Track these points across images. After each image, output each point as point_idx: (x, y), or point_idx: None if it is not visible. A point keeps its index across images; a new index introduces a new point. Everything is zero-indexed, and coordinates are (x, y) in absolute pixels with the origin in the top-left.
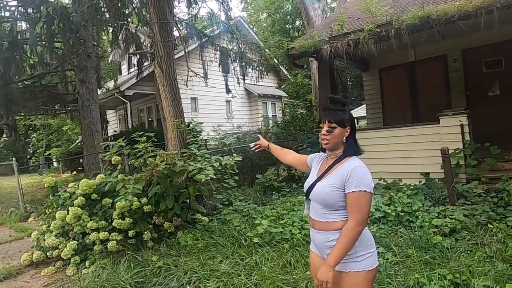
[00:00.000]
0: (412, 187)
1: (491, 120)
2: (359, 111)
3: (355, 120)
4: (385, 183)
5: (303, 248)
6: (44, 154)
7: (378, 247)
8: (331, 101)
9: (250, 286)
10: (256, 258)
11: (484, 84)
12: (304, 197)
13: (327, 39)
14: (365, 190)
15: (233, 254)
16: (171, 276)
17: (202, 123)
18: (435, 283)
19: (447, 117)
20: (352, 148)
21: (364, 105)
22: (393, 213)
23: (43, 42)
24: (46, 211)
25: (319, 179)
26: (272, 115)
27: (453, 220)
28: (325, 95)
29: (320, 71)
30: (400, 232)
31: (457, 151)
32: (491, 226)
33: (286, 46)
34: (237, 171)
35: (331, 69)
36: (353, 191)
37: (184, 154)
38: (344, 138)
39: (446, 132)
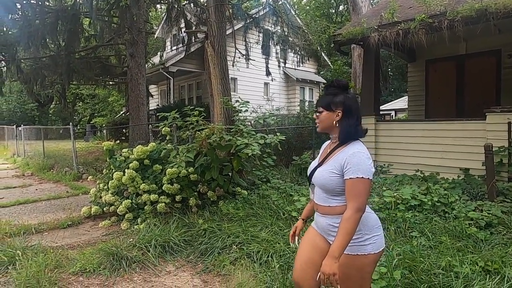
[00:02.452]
0: (450, 181)
1: None
2: (398, 103)
3: (379, 108)
4: (422, 175)
5: None
6: (90, 123)
7: (413, 231)
8: (327, 85)
9: (288, 252)
10: None
11: None
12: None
13: (376, 27)
14: (362, 177)
15: (272, 224)
16: (216, 238)
17: (248, 102)
18: (466, 267)
19: (495, 114)
20: (344, 133)
21: (404, 97)
22: (429, 202)
23: (102, 17)
24: (103, 171)
25: (320, 164)
26: (310, 100)
27: (490, 215)
28: (368, 83)
29: (365, 59)
30: (434, 220)
31: (501, 149)
32: None
33: (332, 32)
34: (280, 149)
35: (377, 58)
36: (350, 178)
37: (231, 130)
38: (334, 122)
39: (492, 129)
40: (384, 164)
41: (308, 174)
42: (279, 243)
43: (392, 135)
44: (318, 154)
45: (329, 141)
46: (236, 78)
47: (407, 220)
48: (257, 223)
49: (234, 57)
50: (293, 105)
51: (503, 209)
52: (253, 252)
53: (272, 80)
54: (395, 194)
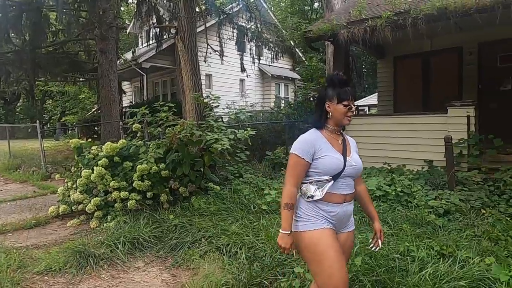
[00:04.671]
0: (415, 172)
1: (500, 114)
2: (372, 99)
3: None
4: (389, 167)
5: None
6: (60, 121)
7: None
8: (345, 79)
9: (258, 244)
10: (263, 222)
11: (496, 79)
12: (329, 178)
13: (344, 24)
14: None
15: (242, 218)
16: (186, 233)
17: (219, 97)
18: (422, 251)
19: (455, 108)
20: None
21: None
22: (393, 193)
23: (70, 10)
24: (72, 169)
25: (344, 155)
26: (284, 97)
27: (449, 203)
28: None
29: (335, 55)
30: (397, 209)
31: (461, 141)
32: (484, 211)
33: (303, 28)
34: (250, 144)
35: (346, 54)
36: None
37: (202, 125)
38: None
39: (453, 122)
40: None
41: (335, 169)
42: (248, 236)
43: (361, 129)
44: (289, 149)
45: (315, 135)
46: (211, 74)
47: None
48: (228, 217)
49: (206, 53)
50: (269, 101)
51: (461, 197)
52: (222, 245)
53: (247, 77)
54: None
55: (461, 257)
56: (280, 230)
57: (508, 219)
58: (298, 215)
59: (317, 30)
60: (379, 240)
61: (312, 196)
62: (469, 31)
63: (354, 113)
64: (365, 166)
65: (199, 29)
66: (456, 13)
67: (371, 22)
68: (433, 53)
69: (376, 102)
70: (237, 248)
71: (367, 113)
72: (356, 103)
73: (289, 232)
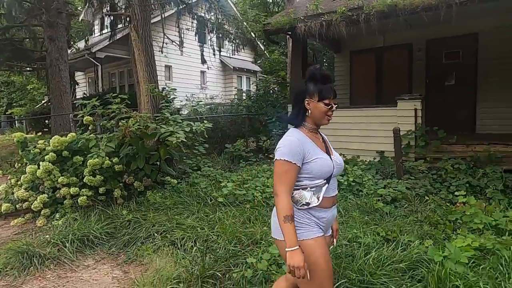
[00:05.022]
0: (367, 162)
1: (445, 107)
2: None
3: None
4: (344, 159)
5: (262, 208)
6: (6, 113)
7: None
8: (327, 76)
9: (212, 236)
10: (219, 214)
11: (442, 74)
12: (323, 181)
13: (302, 17)
14: None
15: (198, 211)
16: (140, 228)
17: (175, 89)
18: (368, 237)
19: (404, 101)
20: None
21: None
22: (345, 183)
23: None
24: (15, 165)
25: (329, 154)
26: (247, 89)
27: (396, 191)
28: (296, 73)
29: (293, 49)
30: (349, 198)
31: (409, 132)
32: (427, 198)
33: (262, 21)
34: (206, 137)
35: (304, 48)
36: None
37: (157, 118)
38: None
39: (402, 115)
40: None
41: (326, 171)
42: (203, 229)
43: None
44: (251, 141)
45: (299, 135)
46: (171, 66)
47: None
48: (184, 211)
49: (163, 43)
50: (230, 94)
51: (407, 185)
52: (177, 239)
53: (208, 69)
54: None
55: (403, 241)
56: (286, 249)
57: (448, 204)
58: None
59: (275, 23)
60: (334, 239)
61: (308, 204)
62: (418, 28)
63: (331, 113)
64: None
65: (157, 19)
66: (405, 10)
67: (327, 17)
68: (385, 48)
69: None
70: (192, 242)
71: None
72: None
73: (298, 247)
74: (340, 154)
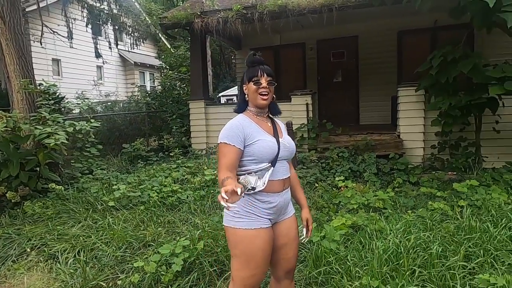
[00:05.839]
0: None
1: (334, 102)
2: (235, 90)
3: (208, 92)
4: None
5: (157, 209)
6: None
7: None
8: (256, 55)
9: (100, 244)
10: (110, 220)
11: (331, 72)
12: (268, 165)
13: (199, 13)
14: None
15: (86, 219)
16: (12, 244)
17: (55, 85)
18: None
19: (297, 96)
20: (275, 105)
21: None
22: None
23: None
24: None
25: (276, 137)
26: (151, 86)
27: None
28: (196, 69)
29: (192, 45)
30: None
31: (302, 126)
32: (317, 185)
33: (158, 15)
34: (93, 137)
35: (203, 44)
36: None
37: (33, 118)
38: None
39: (296, 109)
40: (214, 145)
41: (271, 153)
42: (90, 237)
43: (219, 117)
44: (152, 140)
45: (244, 121)
46: (60, 60)
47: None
48: (69, 220)
49: (42, 34)
50: (133, 90)
51: (300, 174)
52: (58, 251)
53: (104, 63)
54: (215, 172)
55: None
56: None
57: (334, 189)
58: (236, 210)
59: (172, 18)
60: (304, 229)
61: (253, 188)
62: (310, 29)
63: (270, 91)
64: None
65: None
66: (294, 11)
67: (223, 14)
68: (282, 46)
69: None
70: (76, 253)
71: (233, 102)
72: (224, 92)
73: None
74: None
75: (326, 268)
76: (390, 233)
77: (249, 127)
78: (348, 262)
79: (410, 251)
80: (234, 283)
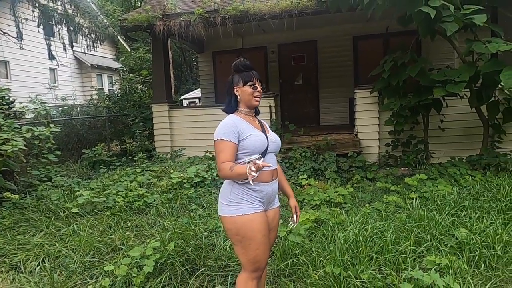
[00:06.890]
0: None
1: (296, 104)
2: (197, 92)
3: (172, 95)
4: (211, 155)
5: (124, 213)
6: None
7: (192, 205)
8: (245, 62)
9: (66, 251)
10: (74, 227)
11: (292, 75)
12: (259, 156)
13: (160, 16)
14: None
15: (48, 226)
16: None
17: (9, 89)
18: None
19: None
20: (258, 108)
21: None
22: (210, 178)
23: None
24: None
25: (264, 133)
26: (109, 89)
27: None
28: (158, 72)
29: (153, 47)
30: (213, 193)
31: None
32: None
33: (117, 17)
34: (53, 142)
35: (165, 47)
36: None
37: None
38: None
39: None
40: (179, 149)
41: (261, 146)
42: (54, 245)
43: (184, 120)
44: (114, 145)
45: (236, 120)
46: (8, 61)
47: (190, 196)
48: (30, 229)
49: None
50: (90, 94)
51: None
52: (20, 261)
53: (59, 66)
54: (181, 174)
55: None
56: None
57: (298, 187)
58: (231, 200)
59: (133, 20)
60: (294, 216)
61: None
62: (271, 33)
63: (261, 94)
64: (189, 156)
65: None
66: (255, 16)
67: (186, 17)
68: (245, 50)
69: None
70: (40, 261)
71: (197, 104)
72: (187, 95)
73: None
74: (206, 151)
75: (293, 260)
76: (350, 225)
77: (241, 124)
78: (313, 253)
79: (368, 239)
80: (244, 267)
